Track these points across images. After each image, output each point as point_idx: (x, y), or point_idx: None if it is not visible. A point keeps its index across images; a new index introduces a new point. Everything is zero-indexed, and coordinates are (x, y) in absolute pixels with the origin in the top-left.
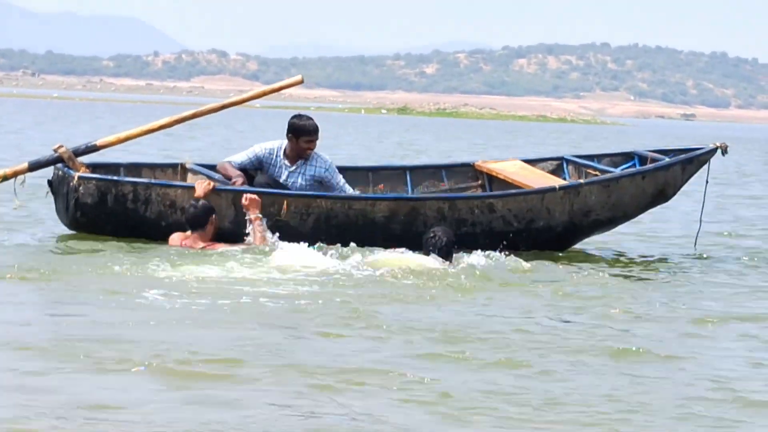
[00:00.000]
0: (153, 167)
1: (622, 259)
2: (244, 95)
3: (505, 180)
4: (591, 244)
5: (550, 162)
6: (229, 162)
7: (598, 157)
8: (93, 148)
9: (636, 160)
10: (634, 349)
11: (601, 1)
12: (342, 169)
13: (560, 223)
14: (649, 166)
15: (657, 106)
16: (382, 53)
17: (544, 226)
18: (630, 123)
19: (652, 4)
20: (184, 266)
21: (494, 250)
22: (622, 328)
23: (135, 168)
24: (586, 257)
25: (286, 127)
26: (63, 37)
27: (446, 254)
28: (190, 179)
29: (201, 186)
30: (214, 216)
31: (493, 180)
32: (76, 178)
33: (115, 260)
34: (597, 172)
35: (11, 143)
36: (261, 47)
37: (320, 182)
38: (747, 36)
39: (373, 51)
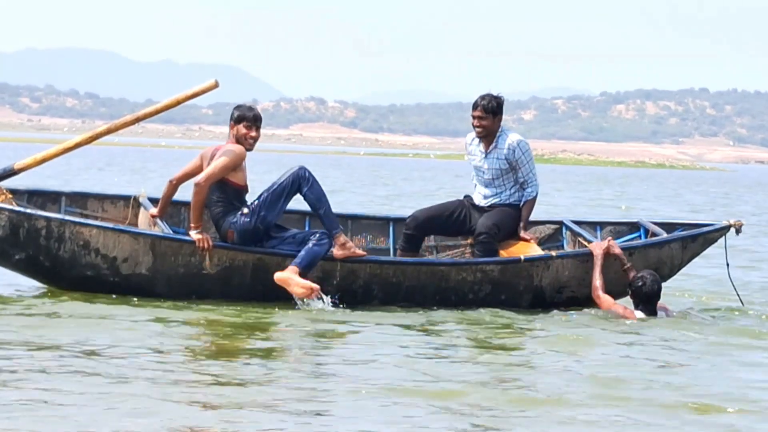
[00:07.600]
0: (101, 198)
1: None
2: (158, 105)
3: None
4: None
5: (547, 226)
6: None
7: (601, 225)
8: (11, 172)
9: (642, 232)
10: None
11: (698, 46)
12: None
13: (525, 299)
14: (638, 242)
15: (757, 151)
16: None
17: (504, 299)
18: (730, 168)
19: (750, 50)
20: None
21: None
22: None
23: (80, 198)
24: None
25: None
26: (162, 86)
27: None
28: (141, 214)
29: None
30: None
31: None
32: None
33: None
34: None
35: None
36: (359, 94)
37: (510, 164)
38: None
39: (470, 97)
